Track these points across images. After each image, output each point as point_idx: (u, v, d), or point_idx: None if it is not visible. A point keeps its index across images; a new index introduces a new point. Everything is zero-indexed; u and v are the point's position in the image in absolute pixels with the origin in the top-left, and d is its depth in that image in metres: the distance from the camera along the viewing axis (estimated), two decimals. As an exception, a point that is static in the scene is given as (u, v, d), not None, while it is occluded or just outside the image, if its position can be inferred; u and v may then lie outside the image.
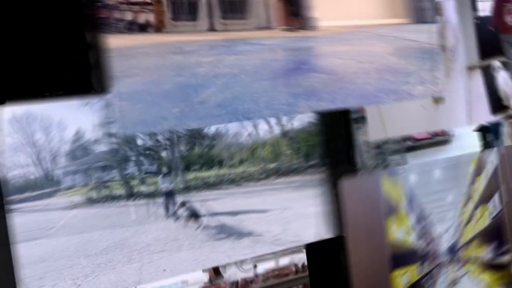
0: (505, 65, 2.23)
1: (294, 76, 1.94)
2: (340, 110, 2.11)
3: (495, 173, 2.62)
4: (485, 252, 2.71)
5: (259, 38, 1.95)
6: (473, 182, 2.64)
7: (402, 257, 2.42)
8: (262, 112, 1.86)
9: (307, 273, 2.36)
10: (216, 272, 2.21)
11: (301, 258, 2.38)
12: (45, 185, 1.80)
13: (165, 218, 1.99)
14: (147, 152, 1.97)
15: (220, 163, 2.10)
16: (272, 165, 2.22)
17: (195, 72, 1.83)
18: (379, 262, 2.30)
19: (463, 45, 2.26)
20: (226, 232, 2.09)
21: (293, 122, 2.26)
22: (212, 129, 2.08)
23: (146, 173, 1.96)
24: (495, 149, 2.56)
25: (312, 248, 2.32)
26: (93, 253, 1.84)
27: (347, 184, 2.25)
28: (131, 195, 1.93)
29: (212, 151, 2.09)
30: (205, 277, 2.18)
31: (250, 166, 2.17)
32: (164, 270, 1.97)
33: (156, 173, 1.99)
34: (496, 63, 2.23)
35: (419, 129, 2.26)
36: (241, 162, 2.15)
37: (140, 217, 1.95)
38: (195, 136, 2.05)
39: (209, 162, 2.08)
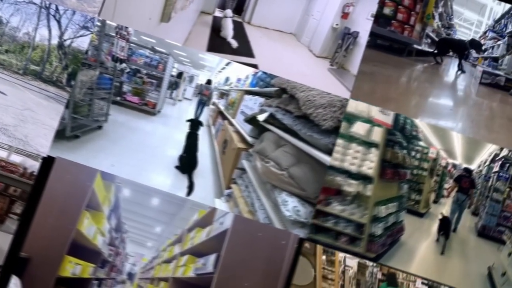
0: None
1: None
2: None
3: (221, 235, 2.37)
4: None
5: None
6: (191, 230, 2.58)
7: (83, 249, 2.47)
8: None
9: (32, 182, 2.43)
10: None
11: (34, 165, 2.46)
12: None
13: None
14: None
15: (-15, 44, 2.45)
16: (34, 67, 2.56)
17: None
18: (59, 239, 2.34)
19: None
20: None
21: (74, 42, 2.58)
22: (-6, 15, 2.43)
23: None
24: (231, 214, 2.37)
25: (48, 163, 2.41)
26: None
27: (62, 162, 2.37)
28: None
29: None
30: None
31: (12, 58, 2.50)
32: None
33: None
34: (227, 11, 2.82)
35: (143, 29, 2.63)
36: (7, 51, 2.48)
37: None
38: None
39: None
